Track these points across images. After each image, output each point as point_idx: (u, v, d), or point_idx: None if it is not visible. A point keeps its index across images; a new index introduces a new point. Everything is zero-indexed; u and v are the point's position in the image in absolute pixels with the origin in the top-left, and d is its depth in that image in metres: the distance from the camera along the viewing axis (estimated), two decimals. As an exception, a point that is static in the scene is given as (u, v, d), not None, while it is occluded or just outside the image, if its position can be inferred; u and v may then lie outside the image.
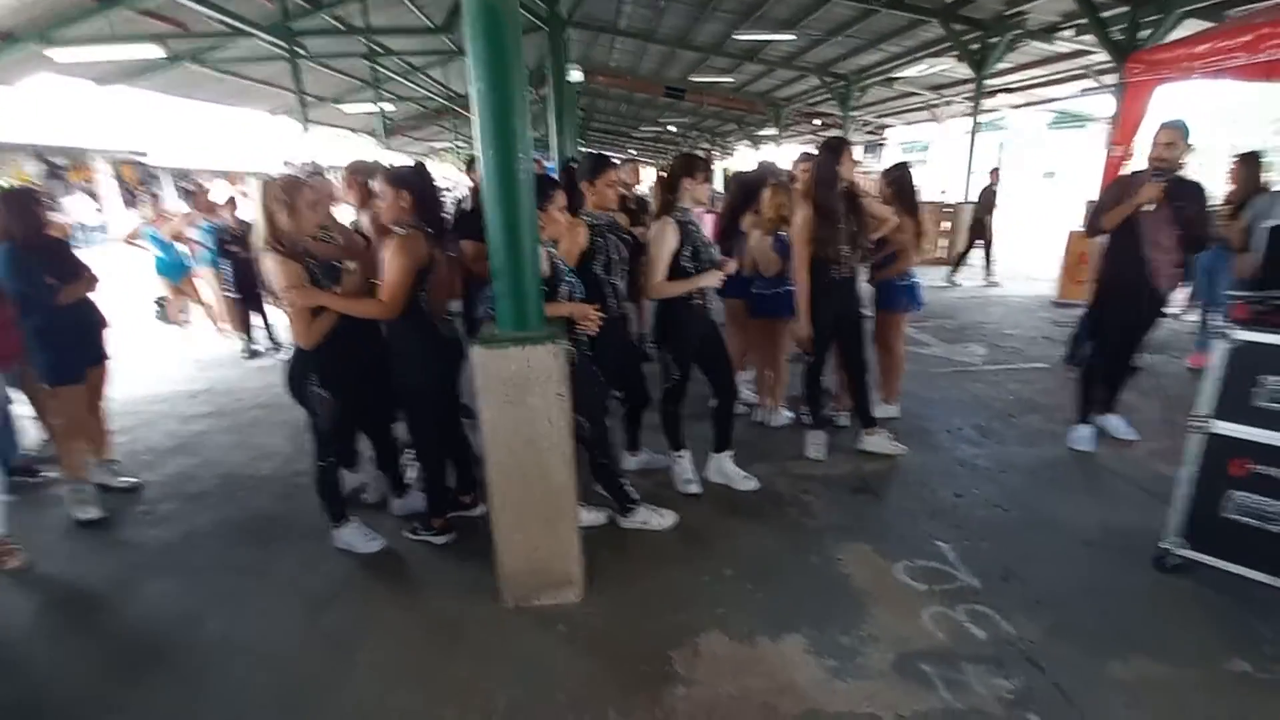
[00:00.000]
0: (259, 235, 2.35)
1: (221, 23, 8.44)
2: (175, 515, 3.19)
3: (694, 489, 3.19)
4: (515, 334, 2.19)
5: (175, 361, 5.99)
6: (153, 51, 9.33)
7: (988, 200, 8.83)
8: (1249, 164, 4.70)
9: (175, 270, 6.25)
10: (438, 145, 27.69)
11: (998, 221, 8.92)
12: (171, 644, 2.30)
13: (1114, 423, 3.72)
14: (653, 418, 3.30)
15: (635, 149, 35.38)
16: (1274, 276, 2.19)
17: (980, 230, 8.84)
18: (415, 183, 2.50)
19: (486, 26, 1.94)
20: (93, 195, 17.18)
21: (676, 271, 2.86)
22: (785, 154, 17.22)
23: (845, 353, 3.45)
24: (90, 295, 3.15)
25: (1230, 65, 5.38)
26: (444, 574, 2.65)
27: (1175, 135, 3.03)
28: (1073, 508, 3.01)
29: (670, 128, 27.31)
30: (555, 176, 3.88)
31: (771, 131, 19.86)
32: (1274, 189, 4.43)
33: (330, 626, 2.36)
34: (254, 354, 6.01)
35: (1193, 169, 3.16)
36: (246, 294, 5.82)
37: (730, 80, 16.01)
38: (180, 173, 19.98)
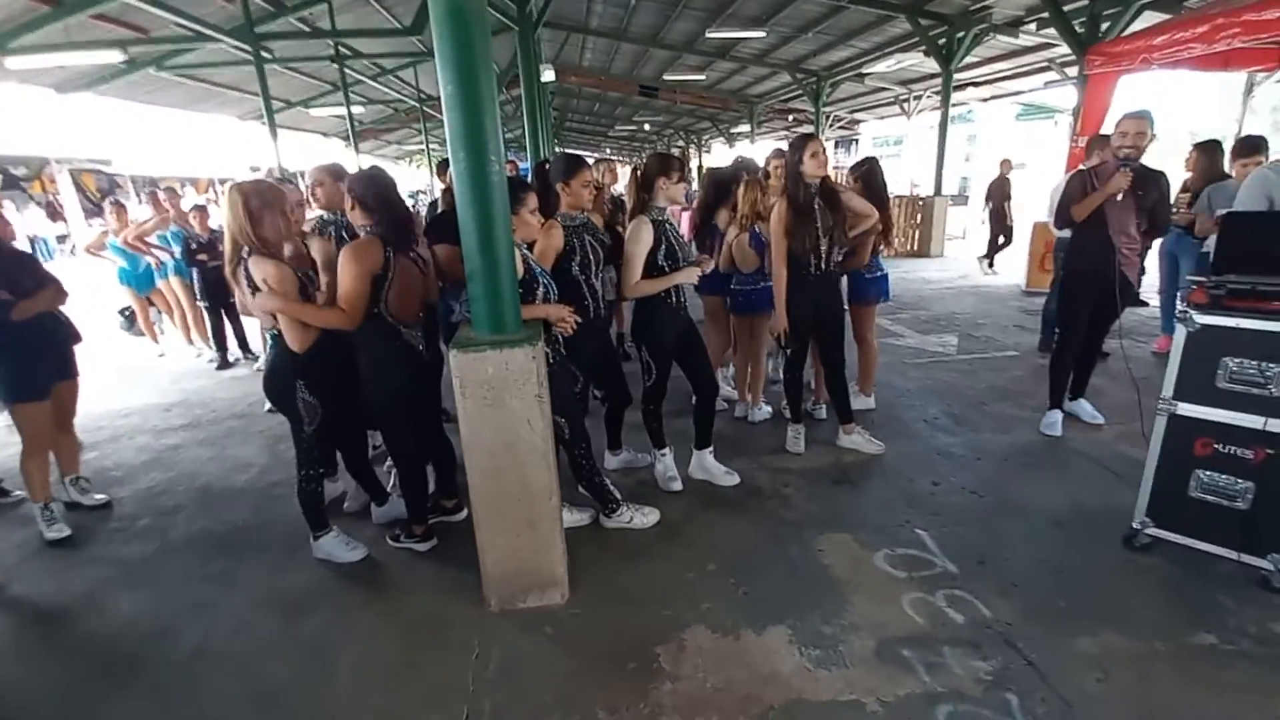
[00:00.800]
0: (243, 240, 2.31)
1: (183, 27, 8.27)
2: (149, 530, 3.13)
3: (676, 486, 3.21)
4: (492, 336, 2.18)
5: (145, 374, 5.87)
6: (113, 57, 9.10)
7: (1002, 189, 9.34)
8: (1208, 152, 4.84)
9: (142, 280, 6.10)
10: (410, 148, 27.42)
11: (1015, 210, 9.54)
12: (146, 656, 2.26)
13: (1083, 407, 3.82)
14: (633, 416, 3.31)
15: (611, 148, 35.37)
16: (1229, 262, 2.26)
17: (1001, 219, 9.31)
18: (367, 187, 2.44)
19: (454, 29, 1.93)
20: (53, 206, 16.75)
21: (653, 270, 2.88)
22: (760, 150, 17.35)
23: (823, 347, 3.49)
24: (60, 309, 3.08)
25: (1188, 56, 5.53)
26: (426, 579, 2.63)
27: (1142, 125, 3.10)
28: (1044, 491, 3.08)
29: (645, 126, 27.34)
30: (528, 177, 3.86)
31: (745, 128, 19.98)
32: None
33: (309, 634, 2.34)
34: (226, 364, 5.90)
35: (1150, 158, 3.24)
36: (217, 303, 5.71)
37: (703, 78, 16.05)
38: (147, 180, 19.54)
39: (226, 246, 2.35)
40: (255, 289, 2.30)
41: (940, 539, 2.72)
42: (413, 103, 17.11)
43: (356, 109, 15.33)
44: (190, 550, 2.95)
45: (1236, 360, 2.21)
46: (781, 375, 4.62)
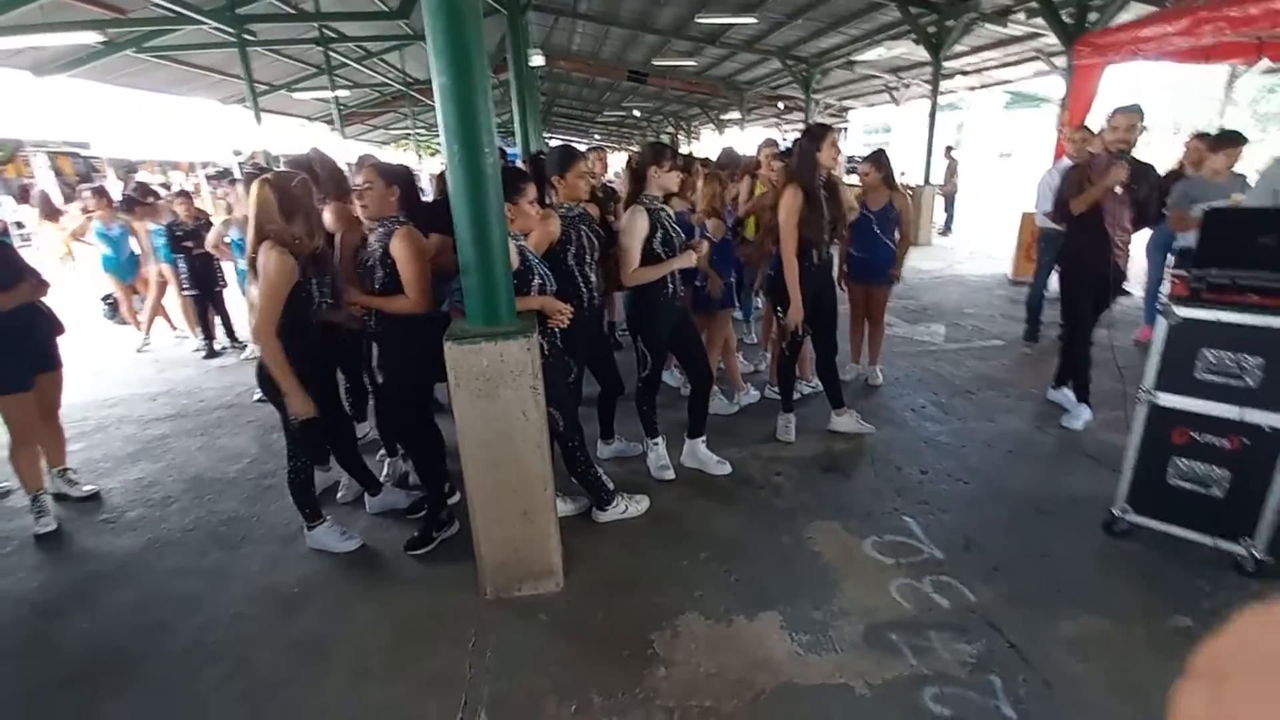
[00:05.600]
0: (269, 231, 2.30)
1: (162, 8, 8.08)
2: (139, 522, 3.12)
3: (668, 475, 3.24)
4: (486, 328, 2.18)
5: (130, 363, 5.80)
6: (90, 38, 8.87)
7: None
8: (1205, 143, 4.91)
9: (125, 268, 6.01)
10: (395, 132, 27.03)
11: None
12: (139, 653, 2.26)
13: (1068, 396, 3.87)
14: (625, 405, 3.33)
15: (600, 134, 35.08)
16: (1210, 255, 2.30)
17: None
18: (404, 179, 2.57)
19: (447, 17, 1.91)
20: (27, 191, 16.35)
21: (649, 258, 2.89)
22: (749, 137, 17.30)
23: (818, 336, 3.51)
24: (41, 299, 3.04)
25: (1172, 48, 5.59)
26: (422, 569, 2.65)
27: (1133, 119, 3.14)
28: (1028, 478, 3.15)
29: (635, 112, 27.12)
30: (518, 165, 3.85)
31: (735, 115, 19.89)
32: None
33: (305, 626, 2.35)
34: (213, 353, 5.85)
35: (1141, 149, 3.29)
36: (204, 291, 5.64)
37: (693, 64, 15.94)
38: (126, 164, 19.12)
39: (250, 236, 2.34)
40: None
41: (927, 526, 2.78)
42: (399, 87, 16.85)
43: (342, 93, 15.09)
44: (182, 542, 2.94)
45: (1215, 352, 2.26)
46: (758, 366, 4.71)
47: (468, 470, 2.26)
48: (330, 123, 16.25)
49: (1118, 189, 3.19)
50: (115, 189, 9.14)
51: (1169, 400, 2.39)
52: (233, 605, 2.49)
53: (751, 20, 11.23)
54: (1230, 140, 4.08)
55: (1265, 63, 6.50)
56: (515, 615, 2.34)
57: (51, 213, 5.80)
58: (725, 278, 3.81)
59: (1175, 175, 4.77)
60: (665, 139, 27.98)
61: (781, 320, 3.34)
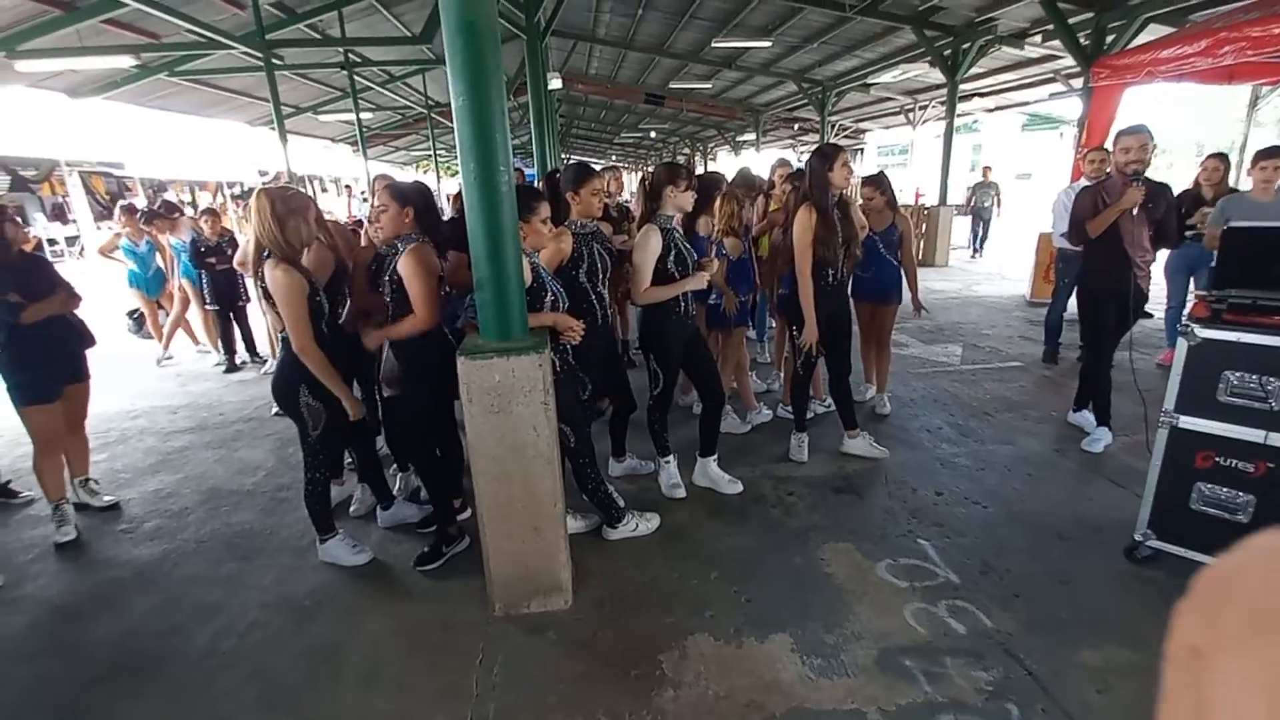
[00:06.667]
0: (268, 244, 2.35)
1: (194, 33, 8.36)
2: (157, 532, 3.16)
3: (680, 493, 3.22)
4: (499, 344, 2.21)
5: (153, 376, 5.91)
6: (124, 62, 9.20)
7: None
8: (1224, 164, 4.88)
9: (151, 283, 6.16)
10: (417, 153, 27.58)
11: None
12: (156, 658, 2.28)
13: (1087, 418, 3.81)
14: (637, 423, 3.33)
15: (616, 155, 35.53)
16: (1232, 276, 2.27)
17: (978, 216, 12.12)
18: (418, 198, 2.59)
19: (466, 42, 1.97)
20: (60, 208, 16.92)
21: (662, 277, 2.91)
22: (765, 159, 17.40)
23: (831, 354, 3.49)
24: (72, 312, 3.12)
25: (1192, 69, 5.56)
26: (431, 583, 2.65)
27: (1143, 139, 3.13)
28: (1048, 502, 3.09)
29: (651, 134, 27.45)
30: (536, 184, 3.92)
31: (751, 137, 20.04)
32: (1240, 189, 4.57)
33: (317, 636, 2.36)
34: (234, 367, 5.95)
35: (1161, 169, 3.26)
36: (225, 306, 5.76)
37: (709, 87, 16.14)
38: (156, 183, 19.70)
39: (251, 249, 2.40)
40: (268, 292, 2.36)
41: (943, 549, 2.73)
42: (421, 109, 17.21)
43: (365, 115, 15.41)
44: (199, 552, 2.97)
45: (1237, 374, 2.22)
46: (771, 385, 4.69)
47: (478, 485, 2.27)
48: (353, 144, 16.62)
49: (1134, 210, 3.17)
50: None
51: (1191, 423, 2.34)
52: (247, 614, 2.50)
53: (767, 44, 11.38)
54: (1266, 155, 4.03)
55: (1288, 83, 6.45)
56: (524, 631, 2.33)
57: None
58: (741, 296, 3.82)
59: (1194, 198, 4.72)
60: (681, 160, 28.25)
61: (796, 340, 3.33)
